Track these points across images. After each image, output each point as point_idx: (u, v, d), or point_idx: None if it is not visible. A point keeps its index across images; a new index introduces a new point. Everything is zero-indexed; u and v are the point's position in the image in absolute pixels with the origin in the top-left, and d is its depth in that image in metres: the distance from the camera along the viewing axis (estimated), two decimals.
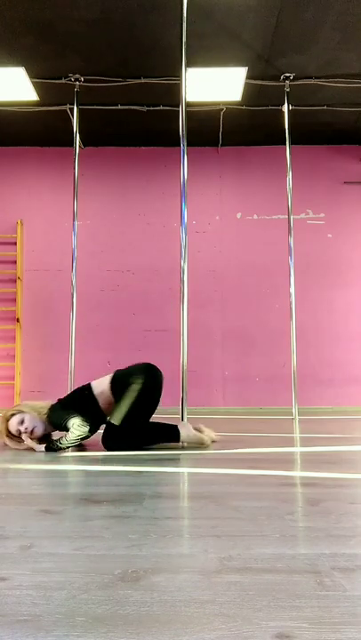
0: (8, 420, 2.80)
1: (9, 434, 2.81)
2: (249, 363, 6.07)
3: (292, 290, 5.08)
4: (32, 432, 2.78)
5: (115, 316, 6.13)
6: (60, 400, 2.92)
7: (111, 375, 2.91)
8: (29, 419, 2.79)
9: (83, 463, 2.40)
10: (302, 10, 4.09)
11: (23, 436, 2.77)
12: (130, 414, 2.71)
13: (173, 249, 5.98)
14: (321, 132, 6.06)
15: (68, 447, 2.71)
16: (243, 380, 6.03)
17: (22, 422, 2.78)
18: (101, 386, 2.86)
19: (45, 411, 2.84)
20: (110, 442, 2.71)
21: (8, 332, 6.14)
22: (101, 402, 2.83)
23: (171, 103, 5.16)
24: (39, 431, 2.80)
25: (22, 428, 2.76)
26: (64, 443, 2.68)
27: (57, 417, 2.79)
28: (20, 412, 2.80)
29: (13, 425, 2.78)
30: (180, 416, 3.25)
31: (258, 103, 5.40)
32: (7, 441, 2.82)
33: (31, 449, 2.78)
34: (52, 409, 2.85)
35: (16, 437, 2.81)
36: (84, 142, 6.18)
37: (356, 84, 5.04)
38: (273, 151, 6.14)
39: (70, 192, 5.36)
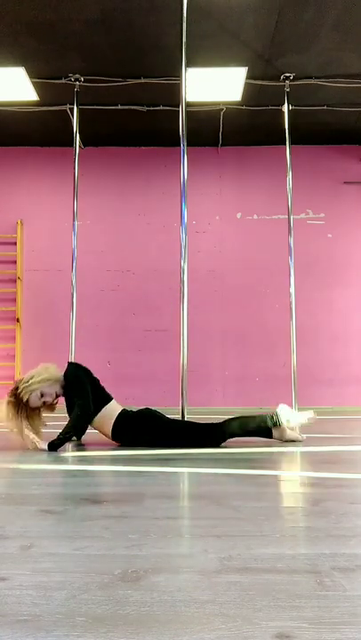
0: (27, 401, 2.76)
1: (29, 411, 2.77)
2: (249, 363, 6.07)
3: (292, 290, 5.08)
4: (57, 396, 2.83)
5: (115, 316, 6.13)
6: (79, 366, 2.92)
7: (116, 415, 2.83)
8: (47, 387, 2.79)
9: (83, 463, 2.40)
10: (302, 10, 4.08)
11: (28, 431, 2.73)
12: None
13: (173, 249, 5.98)
14: (321, 131, 6.05)
15: (68, 435, 2.68)
16: (243, 379, 6.03)
17: (43, 395, 2.77)
18: (110, 415, 2.81)
19: (58, 373, 2.84)
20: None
21: (8, 332, 6.14)
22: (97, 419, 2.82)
23: (171, 103, 5.16)
24: (60, 393, 2.85)
25: (49, 399, 2.78)
26: (64, 434, 2.67)
27: (79, 381, 2.80)
28: (32, 390, 2.77)
29: (36, 402, 2.76)
30: (180, 416, 3.25)
31: (258, 103, 5.39)
32: (24, 424, 2.75)
33: (35, 446, 2.77)
34: (75, 366, 2.90)
35: (36, 413, 2.81)
36: (84, 142, 6.18)
37: (356, 84, 5.03)
38: (273, 151, 6.14)
39: (70, 192, 5.35)
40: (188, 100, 4.26)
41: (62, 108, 5.40)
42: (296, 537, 1.24)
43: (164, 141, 6.12)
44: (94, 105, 5.35)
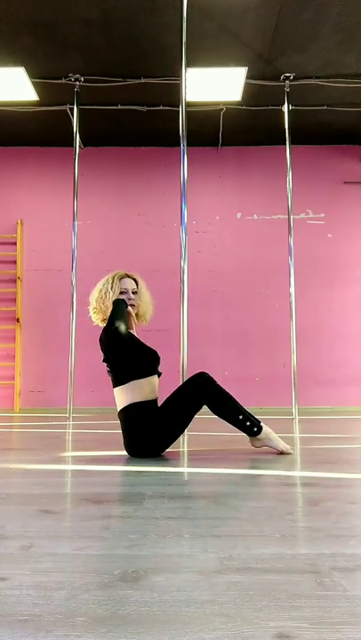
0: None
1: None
2: (249, 363, 6.07)
3: (292, 290, 5.08)
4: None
5: None
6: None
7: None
8: None
9: (83, 463, 2.40)
10: (302, 10, 4.08)
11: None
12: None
13: (173, 249, 5.98)
14: (321, 131, 6.05)
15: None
16: (243, 380, 6.03)
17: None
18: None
19: None
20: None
21: (8, 332, 6.14)
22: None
23: (171, 103, 5.16)
24: None
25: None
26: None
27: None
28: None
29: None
30: None
31: (258, 103, 5.39)
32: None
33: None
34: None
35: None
36: (84, 142, 6.18)
37: (357, 84, 5.03)
38: (273, 151, 6.14)
39: (70, 192, 5.35)
40: (188, 99, 4.26)
41: (62, 108, 5.40)
42: (296, 537, 1.24)
43: (164, 141, 6.12)
44: (94, 105, 5.35)
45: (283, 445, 2.54)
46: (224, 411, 2.49)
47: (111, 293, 2.55)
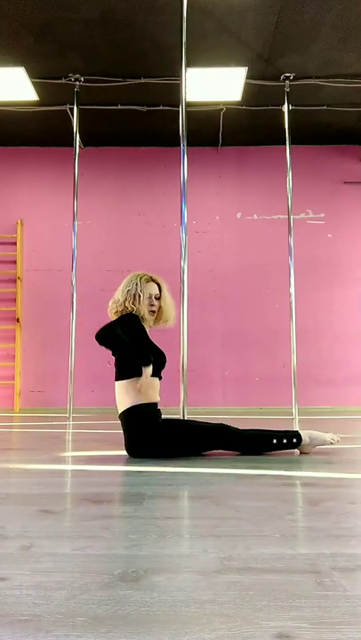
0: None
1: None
2: (249, 363, 6.07)
3: (292, 290, 5.08)
4: None
5: None
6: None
7: None
8: None
9: (83, 463, 2.40)
10: (302, 10, 4.08)
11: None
12: None
13: (173, 249, 5.98)
14: (321, 131, 6.05)
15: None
16: (243, 380, 6.03)
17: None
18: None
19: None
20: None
21: (8, 332, 6.14)
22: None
23: (171, 103, 5.16)
24: None
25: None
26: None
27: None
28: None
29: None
30: (181, 416, 3.25)
31: (258, 103, 5.39)
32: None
33: None
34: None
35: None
36: (84, 142, 6.18)
37: (357, 84, 5.03)
38: (273, 151, 6.14)
39: (70, 192, 5.35)
40: (188, 100, 4.26)
41: (62, 108, 5.40)
42: (296, 537, 1.24)
43: (164, 141, 6.12)
44: (94, 105, 5.35)
45: (329, 437, 2.52)
46: (257, 450, 2.51)
47: (142, 296, 2.50)
